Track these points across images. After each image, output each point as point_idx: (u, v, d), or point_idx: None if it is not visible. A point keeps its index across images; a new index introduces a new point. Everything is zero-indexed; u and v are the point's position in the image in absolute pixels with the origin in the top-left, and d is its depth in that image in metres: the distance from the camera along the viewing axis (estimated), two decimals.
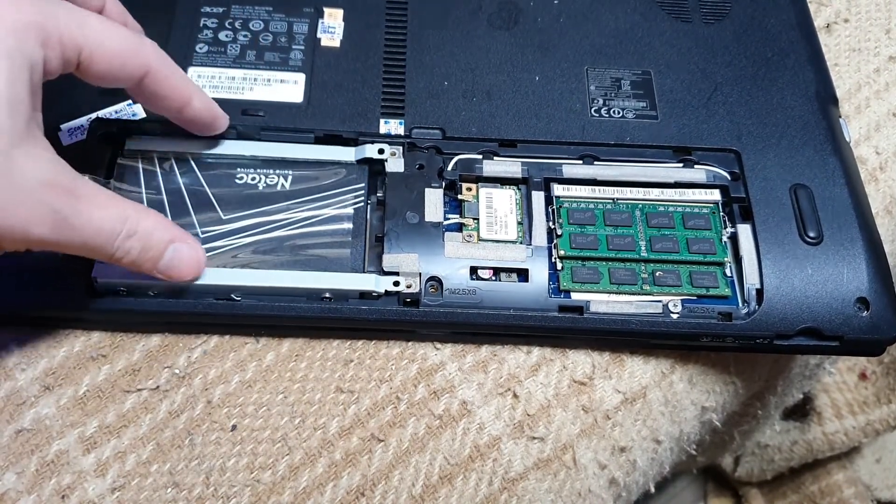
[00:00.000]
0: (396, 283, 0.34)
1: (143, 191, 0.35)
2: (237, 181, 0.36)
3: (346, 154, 0.37)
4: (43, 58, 0.28)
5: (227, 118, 0.35)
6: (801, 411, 0.70)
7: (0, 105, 0.26)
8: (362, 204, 0.36)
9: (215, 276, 0.33)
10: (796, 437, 0.70)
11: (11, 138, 0.26)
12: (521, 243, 0.35)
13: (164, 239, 0.31)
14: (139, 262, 0.30)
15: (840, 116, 0.40)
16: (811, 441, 0.69)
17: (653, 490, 0.39)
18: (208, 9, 0.40)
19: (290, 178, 0.36)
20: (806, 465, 0.72)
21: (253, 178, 0.36)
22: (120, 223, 0.29)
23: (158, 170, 0.35)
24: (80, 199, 0.28)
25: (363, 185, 0.36)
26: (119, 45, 0.30)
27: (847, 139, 0.39)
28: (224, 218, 0.35)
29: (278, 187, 0.36)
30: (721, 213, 0.37)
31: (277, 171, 0.36)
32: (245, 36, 0.39)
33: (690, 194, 0.37)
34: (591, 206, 0.36)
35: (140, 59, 0.30)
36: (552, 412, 0.35)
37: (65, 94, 0.36)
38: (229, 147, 0.36)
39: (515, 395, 0.35)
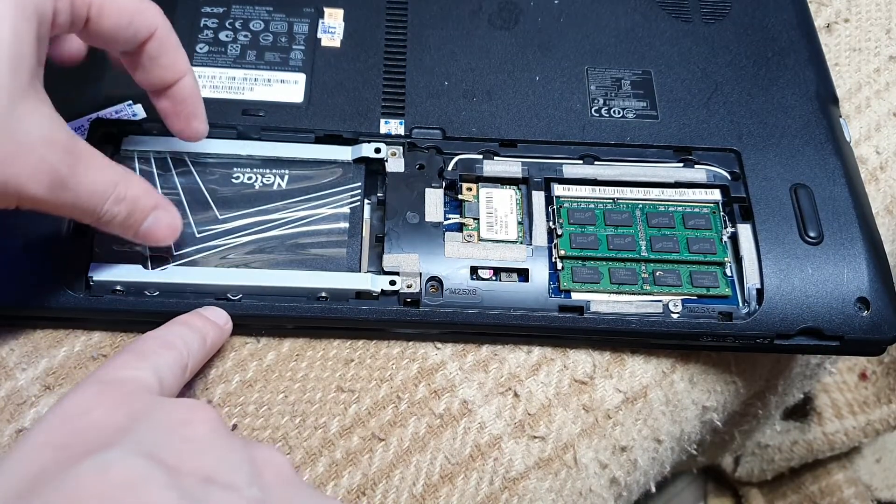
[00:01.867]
0: (393, 283, 0.34)
1: None
2: (233, 181, 0.36)
3: (343, 153, 0.37)
4: (53, 9, 0.27)
5: (207, 126, 0.34)
6: (802, 411, 0.70)
7: (3, 59, 0.25)
8: (359, 203, 0.36)
9: (211, 276, 0.33)
10: (796, 437, 0.70)
11: (14, 92, 0.25)
12: (521, 243, 0.35)
13: (149, 205, 0.31)
14: (122, 227, 0.30)
15: (840, 116, 0.40)
16: (811, 441, 0.69)
17: (653, 489, 0.39)
18: (208, 9, 0.40)
19: (286, 177, 0.36)
20: (806, 465, 0.72)
21: (249, 178, 0.36)
22: (112, 186, 0.29)
23: (154, 169, 0.35)
24: (78, 158, 0.27)
25: (360, 184, 0.36)
26: (127, 0, 0.29)
27: (847, 139, 0.39)
28: (220, 217, 0.35)
29: (275, 187, 0.36)
30: (721, 213, 0.37)
31: (274, 171, 0.36)
32: (245, 36, 0.39)
33: (691, 194, 0.37)
34: (592, 205, 0.36)
35: (147, 18, 0.30)
36: (553, 411, 0.35)
37: (65, 95, 0.36)
38: (225, 146, 0.36)
39: (516, 395, 0.35)
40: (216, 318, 0.33)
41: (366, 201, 0.36)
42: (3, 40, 0.25)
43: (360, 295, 0.34)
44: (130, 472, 0.22)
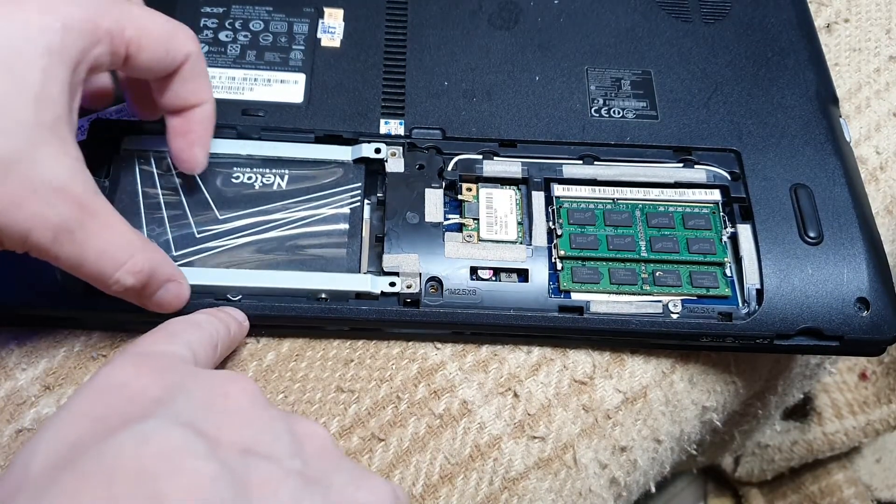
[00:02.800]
0: (393, 284, 0.34)
1: (140, 190, 0.35)
2: (233, 180, 0.36)
3: (343, 153, 0.37)
4: (94, 56, 0.27)
5: (207, 162, 0.33)
6: (802, 411, 0.70)
7: (27, 99, 0.25)
8: (358, 203, 0.36)
9: (211, 276, 0.33)
10: (796, 437, 0.70)
11: (32, 134, 0.25)
12: (521, 243, 0.35)
13: (162, 279, 0.30)
14: (130, 295, 0.30)
15: (840, 116, 0.40)
16: (811, 441, 0.69)
17: (653, 490, 0.39)
18: (208, 9, 0.40)
19: (286, 177, 0.36)
20: (806, 465, 0.72)
21: (249, 178, 0.36)
22: (125, 254, 0.28)
23: (154, 169, 0.35)
24: (91, 215, 0.27)
25: (360, 184, 0.36)
26: (161, 29, 0.29)
27: (847, 139, 0.39)
28: (220, 217, 0.35)
29: (275, 187, 0.36)
30: (721, 213, 0.37)
31: (274, 171, 0.36)
32: (245, 36, 0.39)
33: (690, 194, 0.37)
34: (592, 206, 0.36)
35: (181, 42, 0.30)
36: (553, 412, 0.35)
37: None
38: (226, 146, 0.36)
39: (516, 395, 0.35)
40: (234, 315, 0.33)
41: (366, 201, 0.36)
42: (31, 81, 0.25)
43: (360, 296, 0.34)
44: (169, 442, 0.22)
